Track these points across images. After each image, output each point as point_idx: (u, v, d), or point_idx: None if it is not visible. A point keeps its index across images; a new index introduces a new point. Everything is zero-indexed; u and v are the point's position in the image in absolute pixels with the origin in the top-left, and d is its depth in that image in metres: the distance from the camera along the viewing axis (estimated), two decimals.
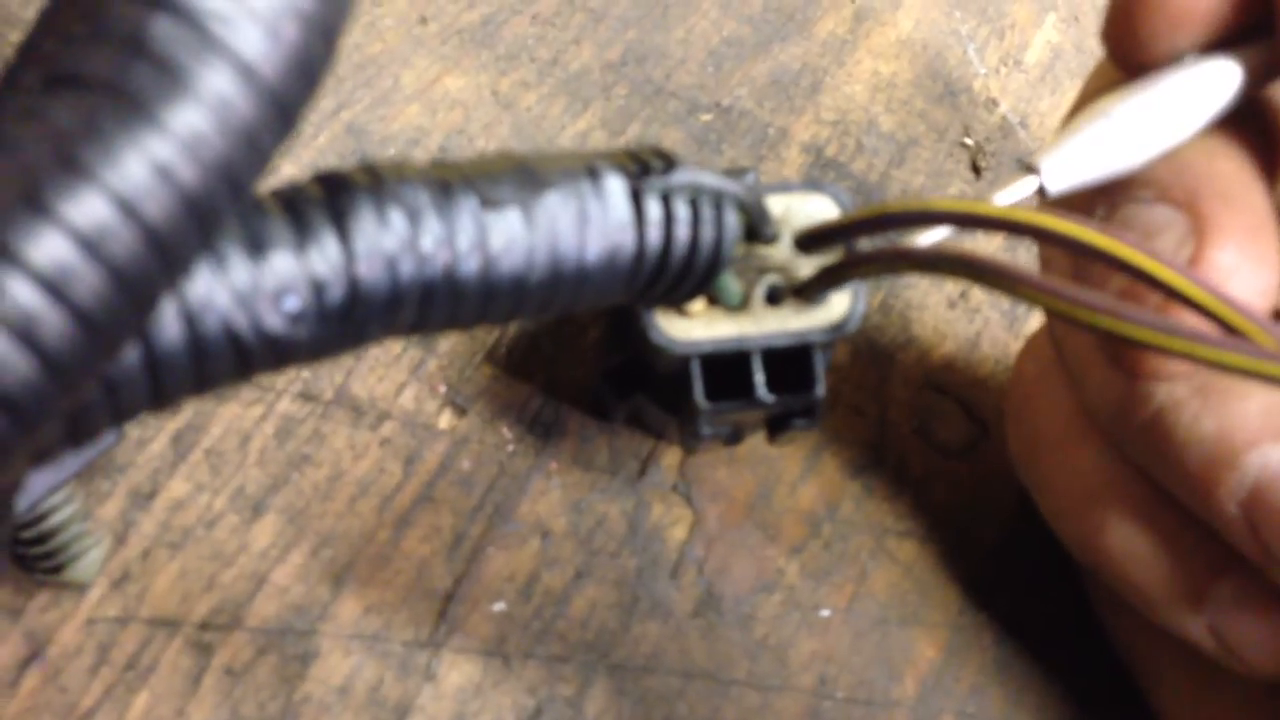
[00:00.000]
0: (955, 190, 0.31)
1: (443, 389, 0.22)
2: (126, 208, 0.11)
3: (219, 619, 0.19)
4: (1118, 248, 0.16)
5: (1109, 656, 0.25)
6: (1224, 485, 0.19)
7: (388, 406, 0.22)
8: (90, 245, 0.11)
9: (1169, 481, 0.20)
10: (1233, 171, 0.20)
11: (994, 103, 0.33)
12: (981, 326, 0.28)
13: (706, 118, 0.29)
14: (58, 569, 0.18)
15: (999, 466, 0.26)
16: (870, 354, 0.27)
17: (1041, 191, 0.18)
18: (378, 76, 0.26)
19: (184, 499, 0.20)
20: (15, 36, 0.23)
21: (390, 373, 0.22)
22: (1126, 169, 0.19)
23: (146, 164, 0.11)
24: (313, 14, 0.12)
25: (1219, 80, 0.19)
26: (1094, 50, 0.35)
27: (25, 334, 0.10)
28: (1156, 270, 0.15)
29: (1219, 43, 0.20)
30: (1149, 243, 0.19)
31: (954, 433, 0.27)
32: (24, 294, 0.10)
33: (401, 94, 0.26)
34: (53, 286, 0.11)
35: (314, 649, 0.19)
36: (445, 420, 0.22)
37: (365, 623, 0.20)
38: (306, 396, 0.21)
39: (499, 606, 0.21)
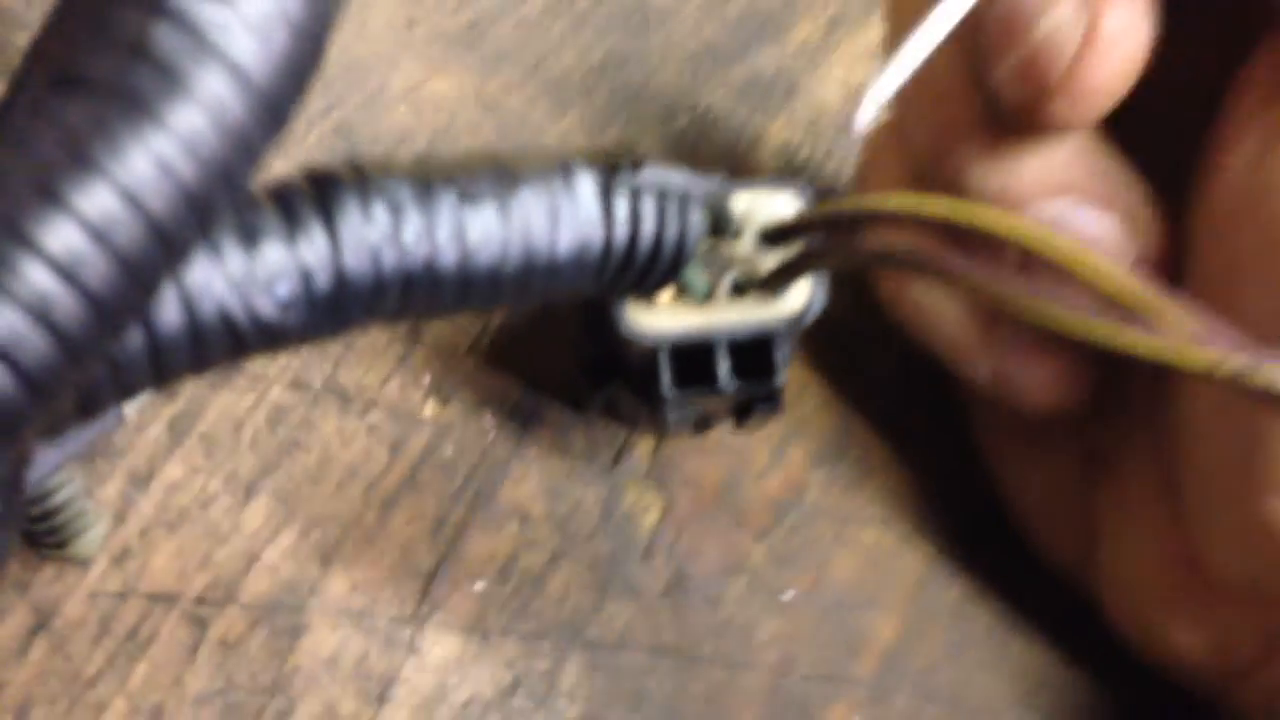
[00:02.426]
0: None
1: (427, 379, 0.24)
2: (132, 200, 0.12)
3: (214, 594, 0.20)
4: (1052, 243, 0.17)
5: (1060, 640, 0.26)
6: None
7: (374, 395, 0.23)
8: (99, 234, 0.12)
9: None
10: None
11: None
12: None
13: (684, 121, 0.30)
14: (62, 545, 0.19)
15: (960, 457, 0.27)
16: (836, 348, 0.28)
17: None
18: (366, 78, 0.27)
19: (180, 481, 0.21)
20: (21, 39, 0.24)
21: (377, 363, 0.23)
22: None
23: (150, 160, 0.12)
24: (301, 21, 0.13)
25: None
26: None
27: (41, 314, 0.12)
28: (1084, 263, 0.17)
29: None
30: (1049, 14, 0.20)
31: (917, 423, 0.28)
32: (40, 278, 0.12)
33: (389, 95, 0.27)
34: (66, 271, 0.12)
35: (303, 623, 0.20)
36: (429, 409, 0.23)
37: (352, 599, 0.21)
38: (297, 385, 0.22)
39: (479, 586, 0.22)
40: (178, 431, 0.21)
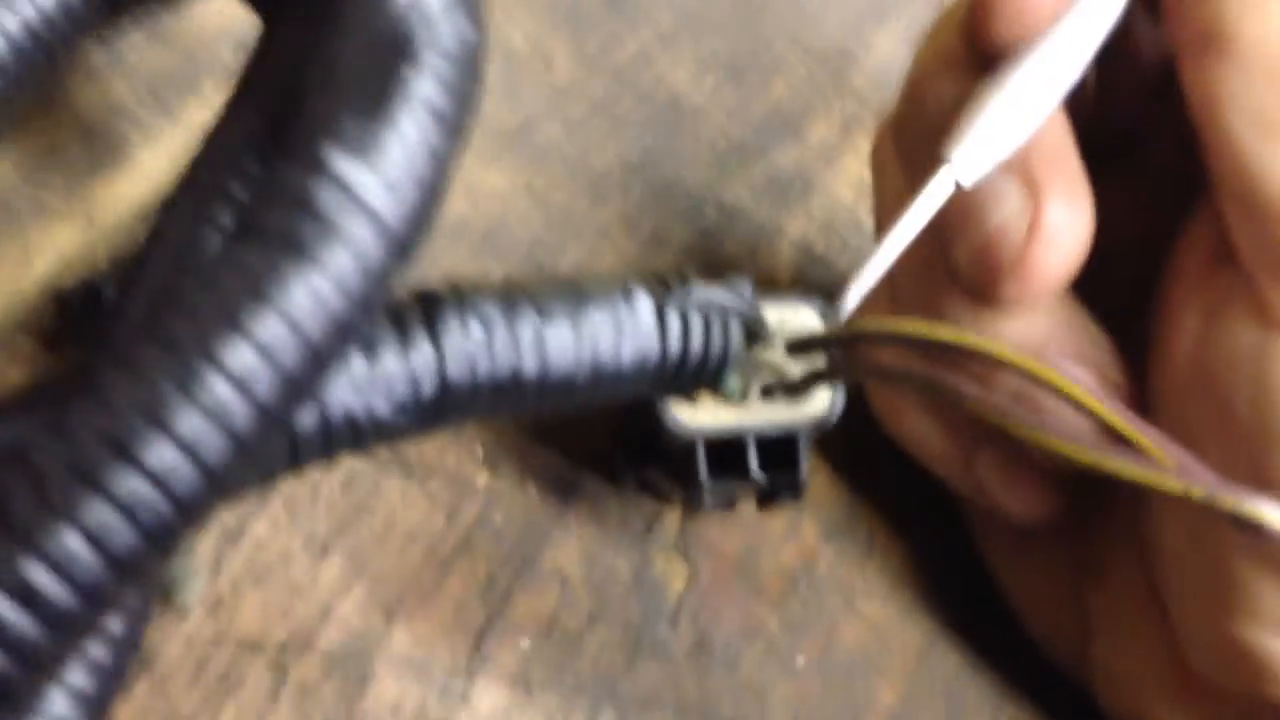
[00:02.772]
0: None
1: (480, 452, 0.26)
2: (294, 327, 0.15)
3: (294, 643, 0.23)
4: (1051, 376, 0.19)
5: (1054, 712, 0.29)
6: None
7: (434, 465, 0.26)
8: (268, 353, 0.14)
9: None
10: (1054, 134, 0.24)
11: None
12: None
13: (710, 216, 0.33)
14: (165, 595, 0.21)
15: (960, 535, 0.30)
16: (848, 429, 0.31)
17: (958, 186, 0.22)
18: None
19: (265, 539, 0.23)
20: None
21: (437, 436, 0.26)
22: (1024, 139, 0.23)
23: (309, 294, 0.15)
24: (427, 179, 0.16)
25: (1071, 48, 0.23)
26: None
27: (221, 419, 0.14)
28: (1075, 393, 0.19)
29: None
30: (997, 208, 0.23)
31: (920, 503, 0.30)
32: (221, 389, 0.14)
33: (450, 188, 0.30)
34: (242, 384, 0.14)
35: (371, 672, 0.23)
36: (482, 479, 0.26)
37: (413, 651, 0.23)
38: (366, 454, 0.25)
39: (524, 643, 0.25)
40: (264, 494, 0.24)
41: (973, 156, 0.22)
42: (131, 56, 0.27)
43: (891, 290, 0.27)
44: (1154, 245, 0.26)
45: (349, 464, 0.25)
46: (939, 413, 0.26)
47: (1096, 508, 0.27)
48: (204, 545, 0.23)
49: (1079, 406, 0.20)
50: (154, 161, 0.26)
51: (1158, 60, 0.26)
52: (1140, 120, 0.27)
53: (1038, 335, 0.24)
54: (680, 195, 0.33)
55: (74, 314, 0.21)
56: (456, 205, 0.29)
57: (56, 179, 0.25)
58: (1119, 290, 0.26)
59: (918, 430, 0.27)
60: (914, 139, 0.26)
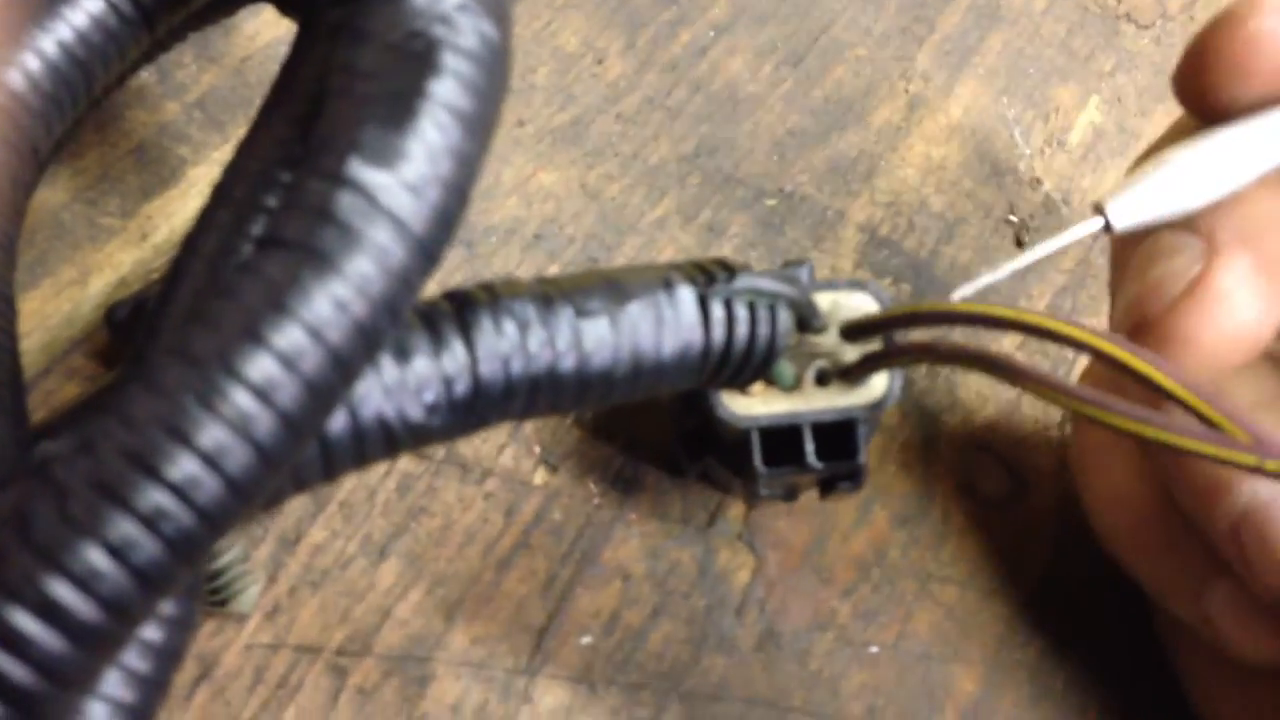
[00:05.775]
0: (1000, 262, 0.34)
1: (537, 449, 0.26)
2: (316, 334, 0.15)
3: (352, 646, 0.23)
4: (1114, 350, 0.19)
5: (1134, 695, 0.28)
6: (1220, 507, 0.23)
7: (490, 465, 0.26)
8: (290, 362, 0.14)
9: (1181, 500, 0.24)
10: (1265, 214, 0.23)
11: (1038, 182, 0.36)
12: (1021, 391, 0.31)
13: (771, 203, 0.32)
14: (223, 602, 0.22)
15: (1036, 519, 0.29)
16: (919, 416, 0.30)
17: (1108, 228, 0.22)
18: (481, 174, 0.29)
19: (322, 544, 0.23)
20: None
21: (492, 435, 0.26)
22: (1186, 210, 0.22)
23: (330, 302, 0.15)
24: (451, 179, 0.16)
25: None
26: (1135, 130, 0.38)
27: (243, 429, 0.14)
28: (1145, 369, 0.19)
29: None
30: (1165, 261, 0.22)
31: (996, 487, 0.30)
32: (243, 400, 0.14)
33: (502, 189, 0.30)
34: (263, 394, 0.14)
35: (430, 673, 0.23)
36: (539, 477, 0.26)
37: (473, 652, 0.23)
38: (422, 456, 0.25)
39: (586, 640, 0.24)
40: (320, 499, 0.24)
41: (1129, 208, 0.22)
42: (182, 76, 0.27)
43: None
44: None
45: (404, 466, 0.25)
46: (1168, 536, 0.25)
47: None
48: (261, 552, 0.23)
49: (1148, 382, 0.19)
50: (207, 178, 0.26)
51: None
52: None
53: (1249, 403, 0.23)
54: (738, 185, 0.32)
55: (124, 330, 0.22)
56: (509, 205, 0.29)
57: (112, 200, 0.25)
58: None
59: (1142, 551, 0.26)
60: None
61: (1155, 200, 0.22)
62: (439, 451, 0.25)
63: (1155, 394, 0.19)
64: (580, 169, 0.31)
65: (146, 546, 0.13)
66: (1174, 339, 0.21)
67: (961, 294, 0.22)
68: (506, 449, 0.26)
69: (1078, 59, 0.38)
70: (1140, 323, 0.22)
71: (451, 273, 0.28)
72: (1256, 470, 0.18)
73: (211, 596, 0.22)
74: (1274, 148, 0.22)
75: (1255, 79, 0.22)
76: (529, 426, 0.26)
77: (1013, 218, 0.35)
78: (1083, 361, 0.31)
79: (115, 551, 0.13)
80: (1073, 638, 0.28)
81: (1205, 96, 0.23)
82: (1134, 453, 0.26)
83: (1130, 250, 0.23)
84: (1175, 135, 0.24)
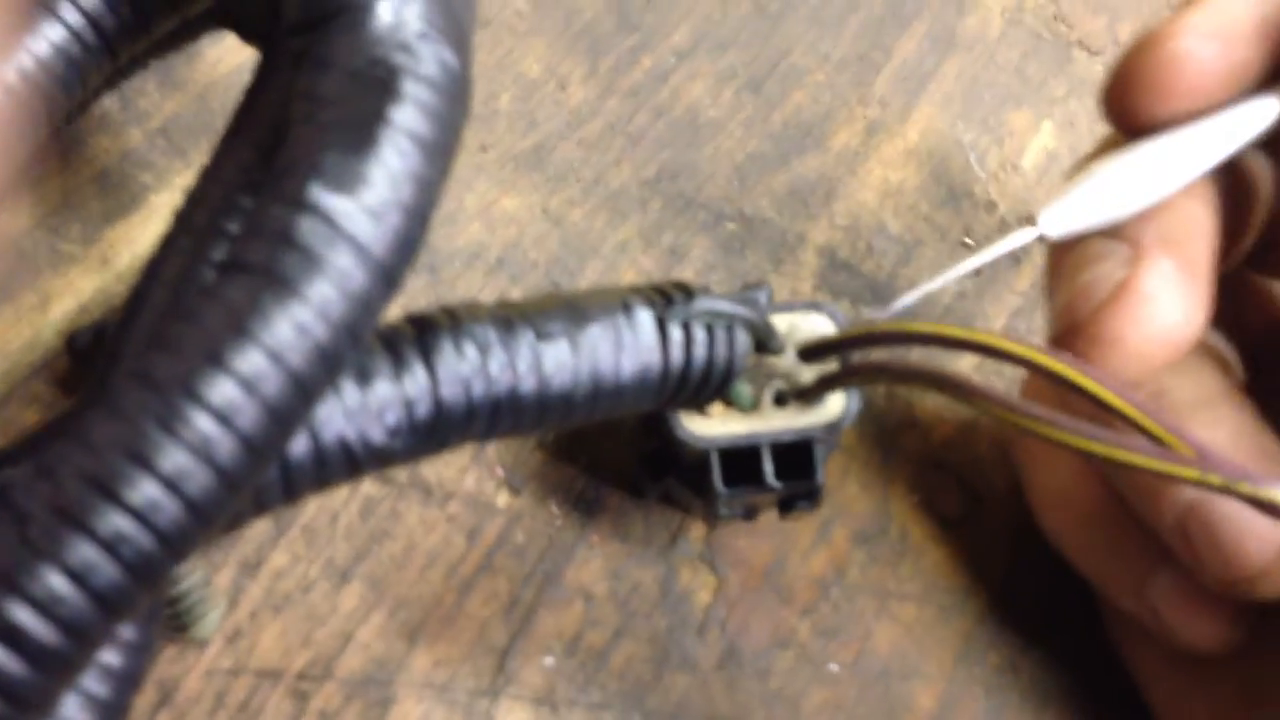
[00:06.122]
0: (955, 287, 0.34)
1: (500, 472, 0.26)
2: (277, 358, 0.15)
3: (314, 670, 0.23)
4: (1061, 368, 0.19)
5: (1089, 703, 0.28)
6: (1165, 502, 0.23)
7: (453, 488, 0.26)
8: (250, 386, 0.15)
9: (1126, 495, 0.25)
10: (1187, 220, 0.23)
11: (993, 205, 0.36)
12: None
13: (732, 226, 0.33)
14: (184, 628, 0.22)
15: (992, 536, 0.29)
16: (877, 435, 0.30)
17: (1042, 238, 0.23)
18: (444, 199, 0.30)
19: (284, 568, 0.23)
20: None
21: (455, 458, 0.26)
22: (1114, 219, 0.23)
23: (291, 326, 0.15)
24: (411, 204, 0.16)
25: (1204, 143, 0.23)
26: (1087, 153, 0.39)
27: (204, 453, 0.14)
28: (1095, 389, 0.19)
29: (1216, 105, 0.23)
30: (1093, 266, 0.23)
31: (952, 505, 0.30)
32: (204, 423, 0.14)
33: (465, 214, 0.30)
34: (224, 417, 0.14)
35: (392, 696, 0.23)
36: (502, 499, 0.26)
37: (435, 674, 0.23)
38: (384, 480, 0.25)
39: (549, 661, 0.24)
40: (281, 523, 0.24)
41: (1061, 217, 0.23)
42: (144, 103, 0.28)
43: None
44: None
45: (367, 489, 0.25)
46: (1112, 530, 0.26)
47: (1270, 632, 0.25)
48: (223, 576, 0.23)
49: (1094, 399, 0.19)
50: (169, 205, 0.26)
51: None
52: None
53: (1231, 450, 0.23)
54: (699, 209, 0.33)
55: (84, 357, 0.22)
56: (472, 230, 0.30)
57: (73, 226, 0.25)
58: None
59: (1087, 546, 0.26)
60: None
61: (1085, 209, 0.22)
62: (402, 474, 0.25)
63: (1101, 410, 0.19)
64: (543, 194, 0.31)
65: (106, 570, 0.13)
66: (1102, 340, 0.22)
67: (903, 303, 0.22)
68: (469, 472, 0.26)
69: (1031, 85, 0.39)
70: (1071, 326, 0.22)
71: (415, 297, 0.28)
72: (1199, 484, 0.18)
73: (172, 622, 0.22)
74: (1195, 159, 0.23)
75: (1176, 97, 0.23)
76: (491, 449, 0.26)
77: (969, 240, 0.35)
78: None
79: (75, 575, 0.13)
80: (1028, 650, 0.28)
81: (1130, 113, 0.24)
82: None
83: (1064, 257, 0.24)
84: (1104, 149, 0.25)
